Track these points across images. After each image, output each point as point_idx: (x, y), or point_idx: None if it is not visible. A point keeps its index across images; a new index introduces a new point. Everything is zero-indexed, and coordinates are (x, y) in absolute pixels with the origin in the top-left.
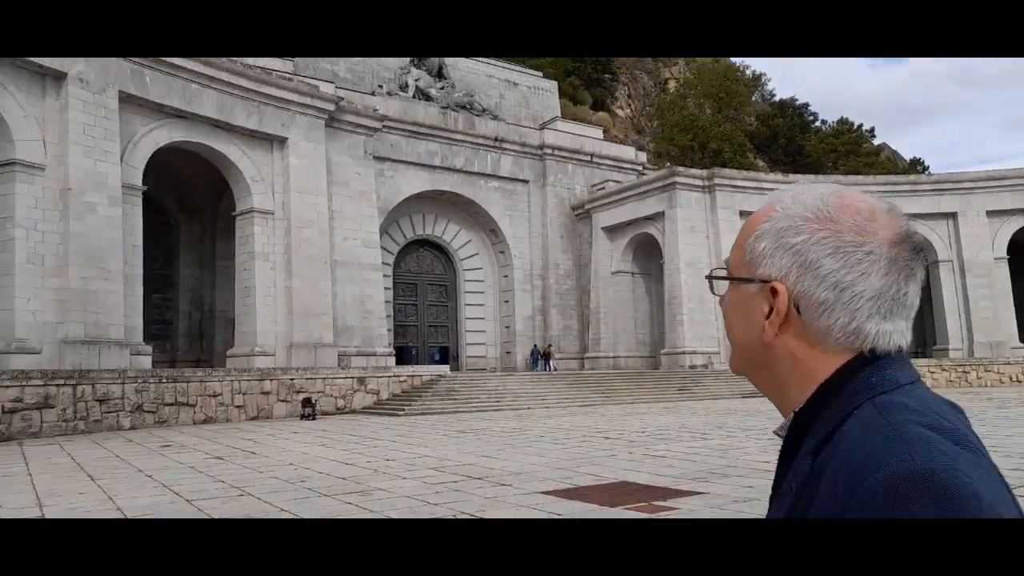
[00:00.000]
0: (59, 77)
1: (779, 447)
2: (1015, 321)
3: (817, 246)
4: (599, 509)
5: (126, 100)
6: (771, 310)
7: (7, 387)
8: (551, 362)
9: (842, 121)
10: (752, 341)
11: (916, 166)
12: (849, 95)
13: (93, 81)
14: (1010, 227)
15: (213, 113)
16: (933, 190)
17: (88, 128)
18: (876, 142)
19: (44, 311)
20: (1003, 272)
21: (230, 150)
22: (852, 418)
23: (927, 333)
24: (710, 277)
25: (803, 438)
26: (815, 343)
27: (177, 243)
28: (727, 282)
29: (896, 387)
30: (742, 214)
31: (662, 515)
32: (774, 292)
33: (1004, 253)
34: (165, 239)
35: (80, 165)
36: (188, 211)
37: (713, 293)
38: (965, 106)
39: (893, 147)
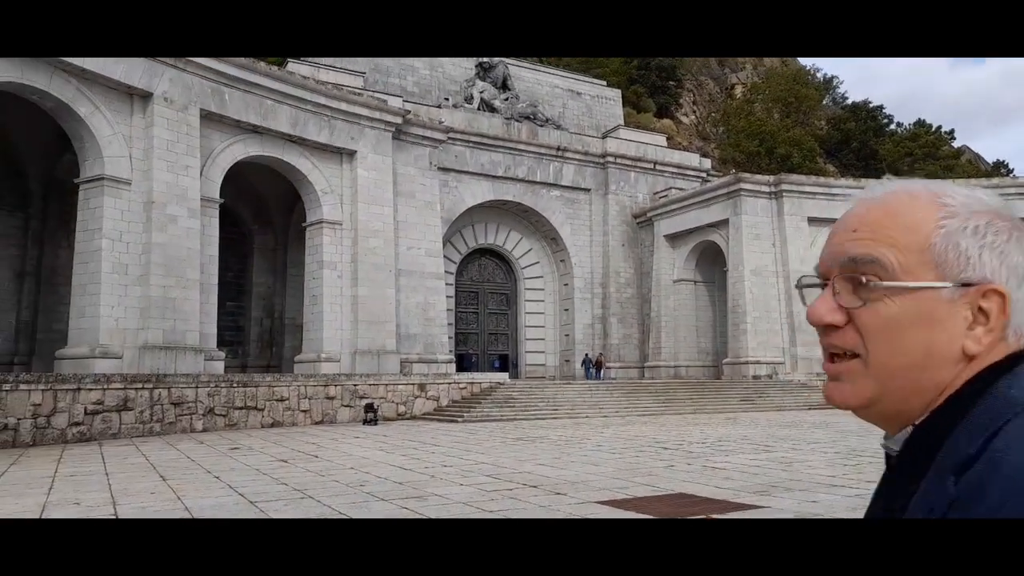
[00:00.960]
0: (145, 96)
1: (845, 461)
2: None
3: (1016, 244)
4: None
5: (206, 117)
6: (978, 317)
7: (90, 390)
8: (603, 371)
9: (919, 123)
10: (919, 356)
11: (1000, 169)
12: (927, 97)
13: (177, 100)
14: None
15: (287, 128)
16: (1018, 194)
17: (171, 144)
18: (956, 144)
19: (126, 318)
20: None
21: (302, 163)
22: (1003, 433)
23: None
24: (878, 287)
25: (928, 455)
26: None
27: (251, 253)
28: (874, 292)
29: None
30: (811, 221)
31: None
32: (996, 296)
33: None
34: (239, 249)
35: (163, 179)
36: (261, 222)
37: (847, 306)
38: None
39: (975, 150)
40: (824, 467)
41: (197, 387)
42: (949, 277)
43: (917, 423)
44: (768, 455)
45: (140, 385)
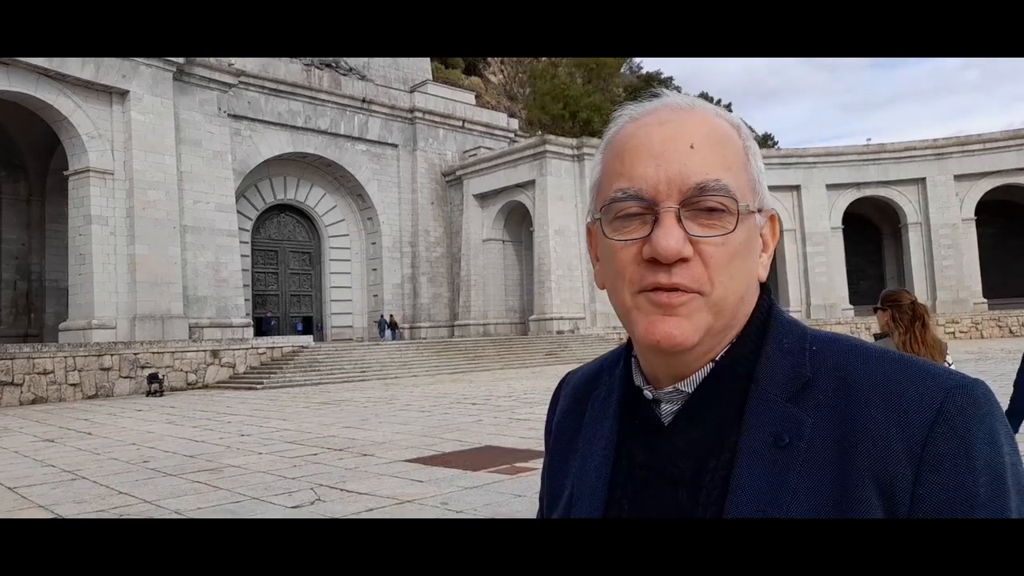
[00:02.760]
0: None
1: None
2: (846, 286)
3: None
4: (462, 474)
5: None
6: (766, 243)
7: None
8: (397, 332)
9: (702, 95)
10: (744, 286)
11: (767, 141)
12: (710, 72)
13: None
14: (845, 199)
15: (41, 60)
16: (780, 164)
17: None
18: None
19: None
20: (838, 241)
21: (61, 102)
22: (820, 355)
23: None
24: (737, 212)
25: (734, 386)
26: None
27: None
28: (735, 218)
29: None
30: None
31: (523, 476)
32: (772, 222)
33: (839, 223)
34: None
35: None
36: (11, 168)
37: (700, 237)
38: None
39: (749, 123)
40: None
41: None
42: (758, 201)
43: (719, 357)
44: None
45: None
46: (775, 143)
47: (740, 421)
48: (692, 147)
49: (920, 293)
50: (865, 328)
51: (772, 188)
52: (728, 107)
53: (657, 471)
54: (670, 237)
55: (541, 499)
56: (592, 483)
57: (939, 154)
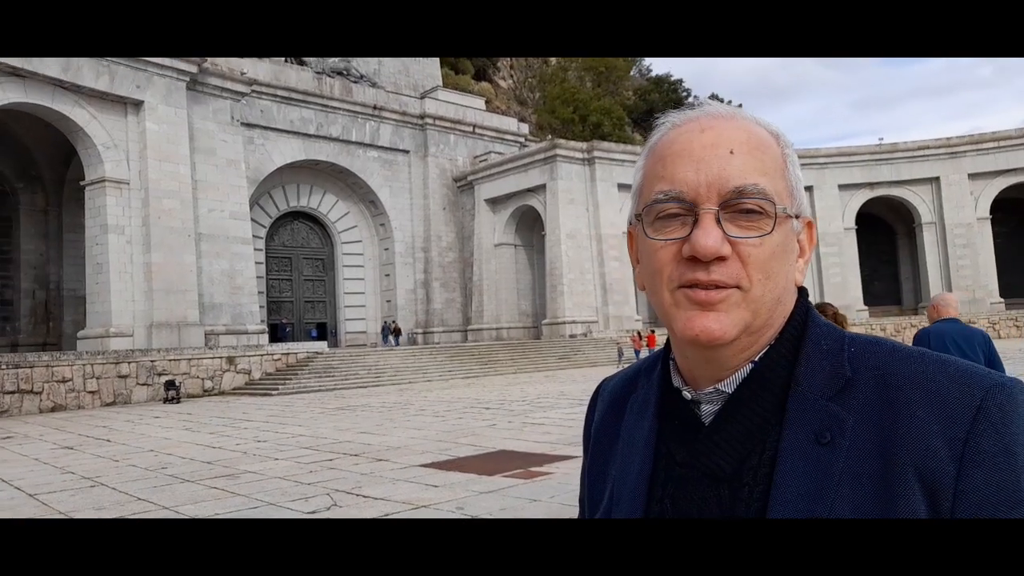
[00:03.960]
0: None
1: None
2: (860, 287)
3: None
4: (477, 479)
5: None
6: (802, 248)
7: None
8: (400, 338)
9: (712, 96)
10: (782, 288)
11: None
12: (719, 72)
13: None
14: (858, 200)
15: (56, 72)
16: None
17: None
18: None
19: None
20: (851, 241)
21: (77, 113)
22: (859, 355)
23: None
24: (775, 215)
25: (772, 387)
26: None
27: (16, 215)
28: (772, 220)
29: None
30: (620, 187)
31: (538, 480)
32: (809, 228)
33: (853, 224)
34: (0, 211)
35: None
36: (28, 179)
37: (738, 238)
38: (822, 85)
39: None
40: None
41: None
42: (795, 207)
43: (758, 357)
44: (582, 408)
45: None
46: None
47: (781, 419)
48: (732, 152)
49: (936, 293)
50: (880, 329)
51: None
52: (738, 107)
53: (698, 468)
54: (709, 236)
55: (581, 501)
56: (633, 483)
57: (953, 153)
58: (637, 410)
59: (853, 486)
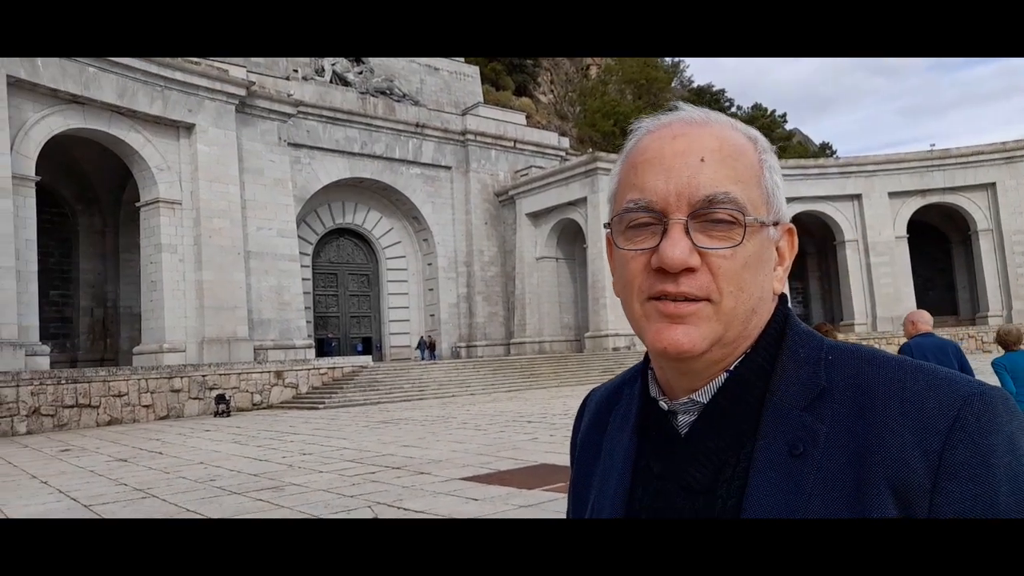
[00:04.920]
0: None
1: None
2: (913, 296)
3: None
4: (517, 492)
5: (15, 85)
6: (781, 256)
7: None
8: (436, 352)
9: (756, 107)
10: (756, 298)
11: (825, 150)
12: (763, 83)
13: None
14: (909, 208)
15: (113, 99)
16: (839, 173)
17: None
18: (788, 127)
19: None
20: (903, 250)
21: (132, 137)
22: (835, 365)
23: (835, 309)
24: (744, 224)
25: (748, 397)
26: None
27: (75, 236)
28: (744, 230)
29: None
30: None
31: None
32: (790, 235)
33: (904, 232)
34: (60, 232)
35: None
36: (86, 202)
37: (708, 248)
38: (870, 93)
39: (805, 132)
40: None
41: (18, 385)
42: (772, 215)
43: (733, 367)
44: None
45: None
46: (833, 152)
47: (756, 430)
48: (703, 160)
49: (994, 303)
50: None
51: (832, 198)
52: (783, 117)
53: (673, 481)
54: (676, 247)
55: (568, 515)
56: (611, 497)
57: (1009, 158)
58: (618, 423)
59: (824, 499)
